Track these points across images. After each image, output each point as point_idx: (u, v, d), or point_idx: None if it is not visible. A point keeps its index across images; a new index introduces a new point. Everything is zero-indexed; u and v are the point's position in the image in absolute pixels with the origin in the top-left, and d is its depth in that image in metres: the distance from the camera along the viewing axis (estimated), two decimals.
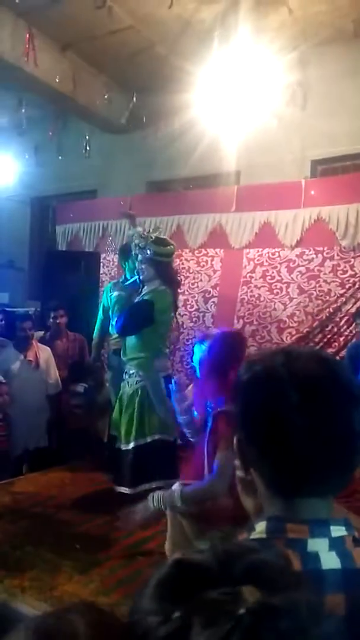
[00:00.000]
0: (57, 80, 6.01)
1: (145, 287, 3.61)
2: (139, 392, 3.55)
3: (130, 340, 3.62)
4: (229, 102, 5.19)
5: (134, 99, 6.39)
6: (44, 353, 4.69)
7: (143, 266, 3.57)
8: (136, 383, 3.59)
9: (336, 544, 0.77)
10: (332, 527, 0.78)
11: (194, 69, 5.25)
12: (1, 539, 3.18)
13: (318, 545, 0.76)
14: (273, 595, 0.43)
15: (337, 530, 0.78)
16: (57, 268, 6.20)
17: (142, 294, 3.59)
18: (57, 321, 5.07)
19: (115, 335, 4.13)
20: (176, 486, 2.37)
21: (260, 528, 0.80)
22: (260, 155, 5.98)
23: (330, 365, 0.83)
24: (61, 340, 5.14)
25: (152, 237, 3.57)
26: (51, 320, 5.10)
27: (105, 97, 6.60)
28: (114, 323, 3.66)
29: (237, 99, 5.16)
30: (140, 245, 3.54)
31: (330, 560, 0.76)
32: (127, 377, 3.67)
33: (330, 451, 0.78)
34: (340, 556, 0.76)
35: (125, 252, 4.38)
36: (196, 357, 2.73)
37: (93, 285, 6.30)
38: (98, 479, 4.09)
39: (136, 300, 3.59)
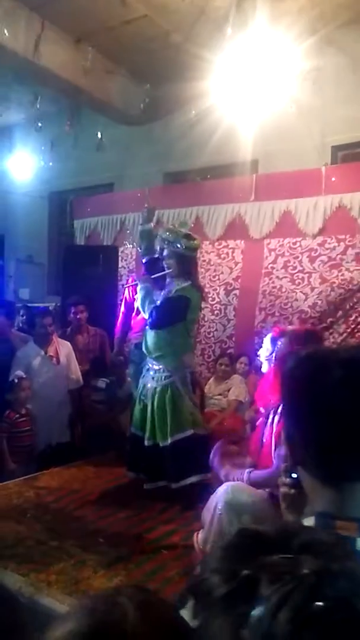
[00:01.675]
0: (72, 74, 5.98)
1: (172, 283, 3.54)
2: (169, 389, 3.52)
3: (159, 335, 3.55)
4: (246, 90, 5.10)
5: (150, 89, 6.30)
6: (65, 348, 4.69)
7: (171, 261, 3.50)
8: (164, 379, 3.55)
9: None
10: None
11: (210, 56, 5.15)
12: (26, 534, 3.19)
13: None
14: (330, 563, 0.47)
15: None
16: (76, 263, 6.21)
17: (172, 289, 3.51)
18: (78, 316, 5.07)
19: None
20: (245, 473, 2.51)
21: (308, 523, 0.80)
22: (279, 143, 5.88)
23: None
24: (82, 335, 5.14)
25: (182, 232, 3.51)
26: (72, 315, 5.10)
27: (121, 88, 6.55)
28: (146, 317, 3.55)
29: (254, 86, 5.06)
30: (169, 239, 3.46)
31: None
32: (151, 373, 3.61)
33: None
34: None
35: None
36: (265, 351, 2.65)
37: (112, 279, 6.30)
38: (121, 474, 4.08)
39: (167, 295, 3.50)
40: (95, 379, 5.10)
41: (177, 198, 6.24)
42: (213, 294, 5.68)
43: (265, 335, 2.75)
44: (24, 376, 4.33)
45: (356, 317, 4.90)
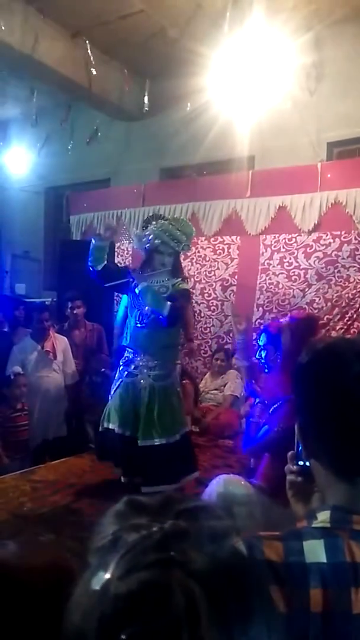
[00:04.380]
0: (68, 68, 5.96)
1: (167, 278, 3.49)
2: (166, 387, 3.47)
3: (165, 333, 3.46)
4: (243, 85, 5.10)
5: (147, 84, 6.30)
6: (61, 343, 4.70)
7: (168, 259, 3.47)
8: (164, 377, 3.48)
9: None
10: None
11: (206, 52, 5.15)
12: (23, 527, 3.21)
13: None
14: (191, 524, 0.50)
15: None
16: (72, 258, 6.19)
17: (170, 285, 3.45)
18: (75, 312, 5.07)
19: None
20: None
21: (323, 517, 0.79)
22: (275, 139, 5.89)
23: None
24: (79, 331, 5.15)
25: (189, 232, 3.51)
26: (69, 310, 5.10)
27: (117, 83, 6.54)
28: (165, 314, 3.34)
29: (250, 82, 5.07)
30: (177, 238, 3.41)
31: None
32: (145, 370, 3.48)
33: None
34: None
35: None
36: (266, 352, 2.58)
37: None
38: None
39: (170, 291, 3.43)
40: (90, 373, 5.11)
41: (173, 194, 6.25)
42: (209, 290, 5.70)
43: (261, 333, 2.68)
44: (21, 372, 4.35)
45: (352, 314, 4.93)
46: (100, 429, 3.63)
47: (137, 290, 3.45)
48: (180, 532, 0.49)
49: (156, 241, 3.41)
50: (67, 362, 4.71)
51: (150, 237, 3.43)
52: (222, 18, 5.05)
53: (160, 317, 3.36)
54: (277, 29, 4.95)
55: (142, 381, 3.49)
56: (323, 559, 0.74)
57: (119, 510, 0.56)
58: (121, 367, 3.60)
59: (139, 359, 3.52)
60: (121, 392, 3.54)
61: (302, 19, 5.26)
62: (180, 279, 3.52)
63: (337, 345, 0.87)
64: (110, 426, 3.53)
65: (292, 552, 0.75)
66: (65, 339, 4.79)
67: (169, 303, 3.34)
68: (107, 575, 0.48)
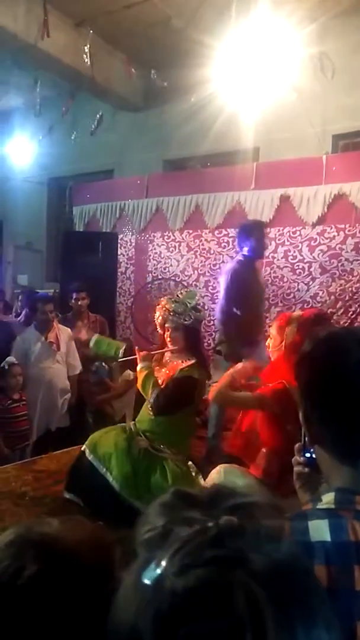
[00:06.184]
0: (72, 58, 5.93)
1: (181, 360, 3.15)
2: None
3: (165, 421, 3.13)
4: (248, 77, 5.07)
5: (152, 75, 6.26)
6: (65, 334, 4.70)
7: (176, 334, 3.12)
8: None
9: None
10: None
11: (211, 42, 5.11)
12: (25, 517, 3.23)
13: None
14: (244, 521, 0.49)
15: None
16: (75, 249, 6.20)
17: (177, 368, 3.10)
18: (79, 303, 5.08)
19: None
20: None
21: (328, 499, 0.81)
22: (280, 131, 5.86)
23: None
24: (82, 322, 5.15)
25: (191, 303, 3.15)
26: (73, 301, 5.11)
27: (121, 74, 6.51)
28: (151, 401, 3.08)
29: (255, 73, 5.03)
30: (178, 311, 3.08)
31: None
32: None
33: None
34: None
35: (246, 231, 4.22)
36: (273, 341, 2.58)
37: (111, 265, 6.29)
38: None
39: (172, 375, 3.09)
40: (92, 364, 5.11)
41: (177, 185, 6.24)
42: (214, 283, 5.69)
43: (270, 325, 2.69)
44: (15, 362, 4.34)
45: (356, 308, 4.92)
46: None
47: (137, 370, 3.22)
48: (236, 528, 0.48)
49: (159, 319, 3.18)
50: (70, 353, 4.71)
51: (156, 316, 3.22)
52: (228, 8, 5.01)
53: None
54: (283, 20, 4.92)
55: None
56: (327, 537, 0.76)
57: (167, 502, 0.54)
58: None
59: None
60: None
61: (307, 9, 5.22)
62: (191, 362, 3.10)
63: (338, 333, 0.91)
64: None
65: (298, 531, 0.77)
66: (69, 329, 4.79)
67: (155, 391, 3.04)
68: (160, 570, 0.46)
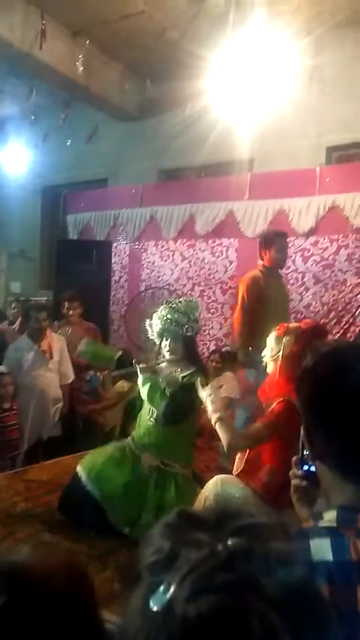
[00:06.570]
0: (68, 67, 5.95)
1: (180, 369, 3.13)
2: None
3: (169, 431, 3.12)
4: (243, 88, 5.10)
5: (148, 85, 6.29)
6: (58, 343, 4.67)
7: (176, 344, 3.11)
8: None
9: None
10: None
11: (207, 54, 5.15)
12: (16, 527, 3.19)
13: None
14: (253, 543, 0.48)
15: None
16: (69, 257, 6.19)
17: (183, 375, 3.09)
18: (71, 312, 5.06)
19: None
20: None
21: (329, 517, 0.80)
22: (275, 142, 5.90)
23: None
24: (74, 329, 5.13)
25: (194, 315, 3.15)
26: (65, 310, 5.09)
27: (117, 84, 6.54)
28: (159, 412, 3.09)
29: (251, 85, 5.07)
30: (180, 322, 3.07)
31: None
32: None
33: None
34: None
35: (267, 240, 4.25)
36: (269, 351, 2.56)
37: (105, 274, 6.29)
38: None
39: (178, 385, 3.07)
40: (85, 373, 5.10)
41: (171, 195, 6.26)
42: (208, 292, 5.70)
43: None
44: (6, 372, 4.31)
45: (349, 318, 4.94)
46: None
47: (139, 382, 3.21)
48: (246, 551, 0.46)
49: (158, 328, 3.16)
50: (63, 362, 4.69)
51: (153, 324, 3.20)
52: (224, 20, 5.05)
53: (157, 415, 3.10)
54: (278, 32, 4.97)
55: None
56: (329, 557, 0.75)
57: (172, 523, 0.52)
58: None
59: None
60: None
61: (303, 22, 5.28)
62: (192, 370, 3.10)
63: (341, 348, 0.90)
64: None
65: (299, 550, 0.76)
66: (63, 338, 4.77)
67: (164, 400, 3.04)
68: (169, 595, 0.45)
